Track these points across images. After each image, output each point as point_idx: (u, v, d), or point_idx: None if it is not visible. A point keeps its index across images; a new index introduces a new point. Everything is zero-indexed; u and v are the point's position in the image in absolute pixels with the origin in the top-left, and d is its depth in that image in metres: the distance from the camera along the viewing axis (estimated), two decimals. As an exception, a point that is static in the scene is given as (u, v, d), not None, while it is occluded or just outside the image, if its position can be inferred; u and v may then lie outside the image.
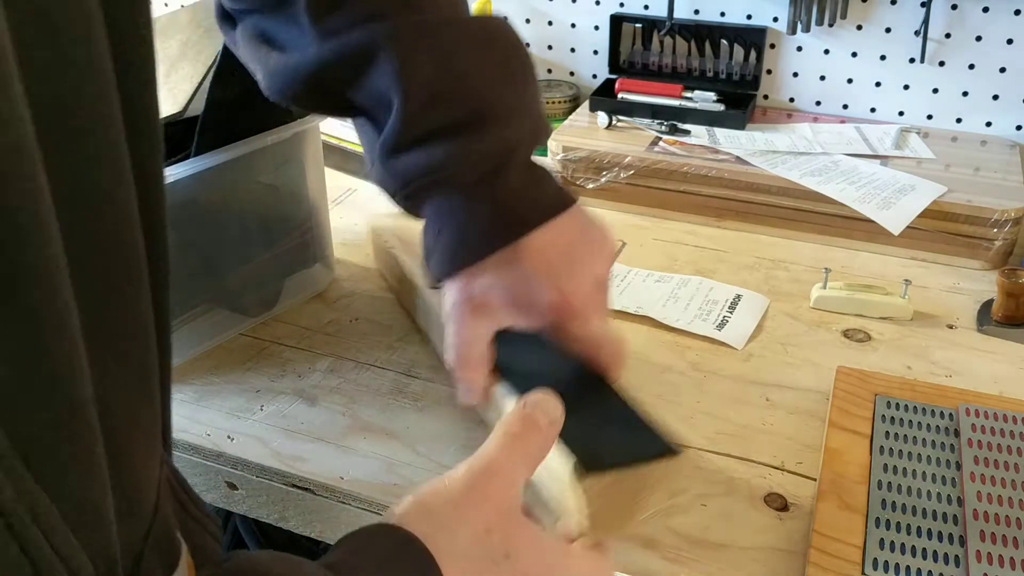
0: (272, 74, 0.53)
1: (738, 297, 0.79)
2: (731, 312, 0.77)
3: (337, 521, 0.60)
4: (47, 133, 0.29)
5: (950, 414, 0.61)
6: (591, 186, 0.95)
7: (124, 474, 0.36)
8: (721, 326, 0.75)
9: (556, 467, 0.49)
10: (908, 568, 0.50)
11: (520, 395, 0.52)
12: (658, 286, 0.81)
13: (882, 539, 0.52)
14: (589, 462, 0.48)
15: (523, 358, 0.56)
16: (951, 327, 0.76)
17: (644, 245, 0.89)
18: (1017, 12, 0.96)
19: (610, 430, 0.51)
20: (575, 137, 0.97)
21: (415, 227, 0.81)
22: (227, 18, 0.57)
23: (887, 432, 0.60)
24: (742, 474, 0.60)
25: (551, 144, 0.96)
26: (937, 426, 0.60)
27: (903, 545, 0.51)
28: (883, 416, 0.61)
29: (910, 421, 0.61)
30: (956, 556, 0.51)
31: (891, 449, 0.58)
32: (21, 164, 0.27)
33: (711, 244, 0.89)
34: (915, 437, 0.59)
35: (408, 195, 0.52)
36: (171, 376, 0.46)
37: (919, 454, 0.58)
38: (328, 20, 0.51)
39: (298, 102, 0.54)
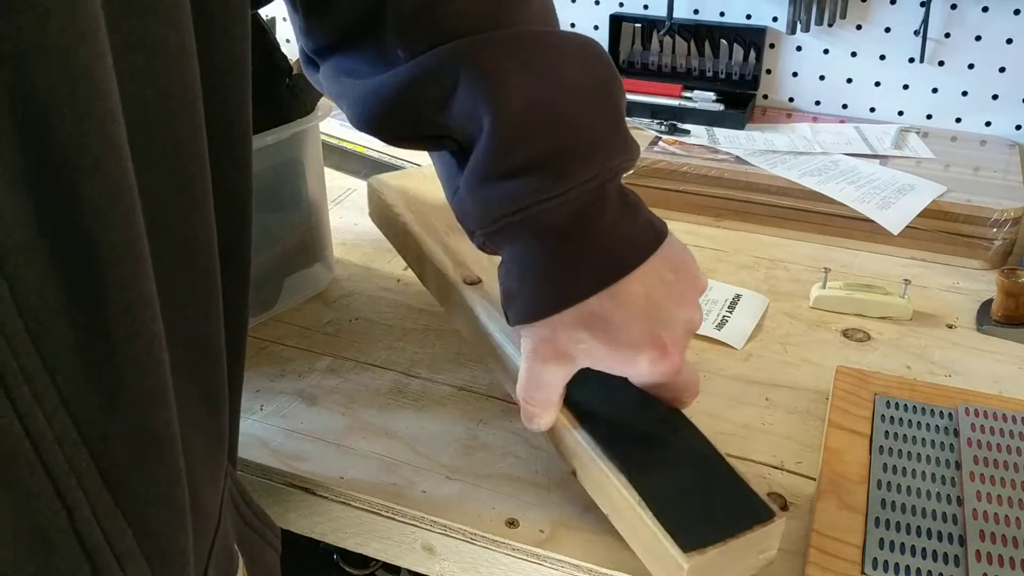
0: (356, 101, 0.48)
1: (737, 297, 0.79)
2: (730, 312, 0.77)
3: (337, 521, 0.60)
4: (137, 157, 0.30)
5: (950, 414, 0.61)
6: (591, 186, 0.95)
7: (193, 494, 0.36)
8: (720, 326, 0.75)
9: (652, 544, 0.48)
10: (908, 568, 0.50)
11: (596, 438, 0.51)
12: (658, 286, 0.80)
13: (882, 539, 0.52)
14: (689, 538, 0.46)
15: (597, 392, 0.53)
16: (951, 327, 0.76)
17: (644, 245, 0.88)
18: (1017, 12, 0.96)
19: (703, 494, 0.49)
20: (575, 137, 0.97)
21: (423, 190, 0.74)
22: (310, 63, 0.53)
23: (887, 432, 0.60)
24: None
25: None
26: (937, 426, 0.60)
27: (903, 545, 0.51)
28: (883, 416, 0.61)
29: (910, 421, 0.61)
30: (956, 556, 0.51)
31: (891, 449, 0.58)
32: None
33: (710, 244, 0.89)
34: (915, 437, 0.59)
35: (492, 232, 0.47)
36: (241, 388, 0.46)
37: (919, 454, 0.58)
38: (417, 38, 0.46)
39: (383, 129, 0.49)
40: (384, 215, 0.73)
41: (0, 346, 0.26)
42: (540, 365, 0.49)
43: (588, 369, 0.50)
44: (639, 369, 0.49)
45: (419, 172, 0.77)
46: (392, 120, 0.48)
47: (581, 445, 0.52)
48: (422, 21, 0.45)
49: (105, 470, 0.30)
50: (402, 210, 0.71)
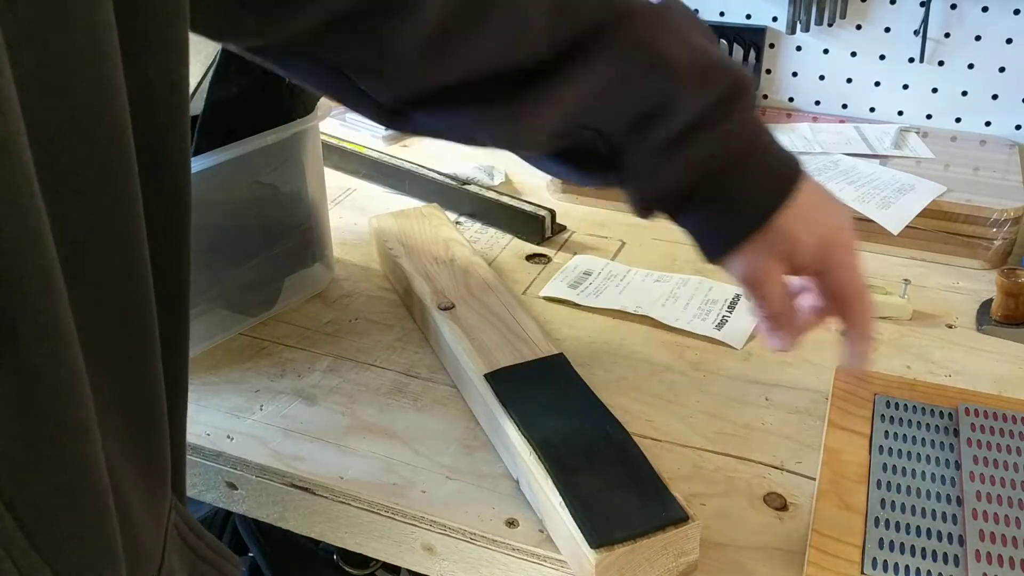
0: (516, 120, 0.49)
1: (737, 297, 0.79)
2: (730, 312, 0.77)
3: (337, 521, 0.60)
4: (46, 160, 0.29)
5: (949, 414, 0.61)
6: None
7: (128, 530, 0.35)
8: (720, 325, 0.75)
9: (569, 538, 0.51)
10: (908, 567, 0.50)
11: (536, 445, 0.55)
12: (658, 286, 0.81)
13: (881, 539, 0.52)
14: (599, 536, 0.49)
15: (544, 413, 0.58)
16: (950, 327, 0.76)
17: (644, 245, 0.89)
18: (1017, 12, 0.96)
19: (621, 496, 0.52)
20: (574, 137, 0.97)
21: (419, 231, 0.82)
22: (396, 114, 0.51)
23: (886, 432, 0.60)
24: (741, 474, 0.60)
25: (551, 144, 0.96)
26: (936, 426, 0.60)
27: (902, 545, 0.51)
28: (882, 416, 0.61)
29: (909, 421, 0.61)
30: (955, 556, 0.51)
31: (890, 449, 0.58)
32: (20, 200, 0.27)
33: (710, 244, 0.89)
34: (914, 437, 0.59)
35: (686, 192, 0.51)
36: (185, 420, 0.44)
37: (918, 454, 0.58)
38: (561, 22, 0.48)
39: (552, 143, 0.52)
40: (381, 249, 0.83)
41: None
42: (763, 287, 0.54)
43: (540, 398, 0.58)
44: (816, 264, 0.53)
45: (416, 212, 0.87)
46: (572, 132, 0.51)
47: (520, 457, 0.56)
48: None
49: (22, 510, 0.28)
50: (394, 244, 0.80)
